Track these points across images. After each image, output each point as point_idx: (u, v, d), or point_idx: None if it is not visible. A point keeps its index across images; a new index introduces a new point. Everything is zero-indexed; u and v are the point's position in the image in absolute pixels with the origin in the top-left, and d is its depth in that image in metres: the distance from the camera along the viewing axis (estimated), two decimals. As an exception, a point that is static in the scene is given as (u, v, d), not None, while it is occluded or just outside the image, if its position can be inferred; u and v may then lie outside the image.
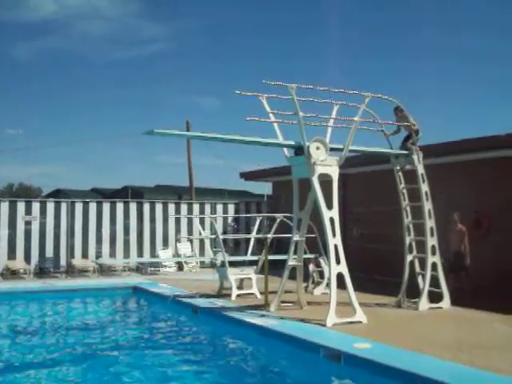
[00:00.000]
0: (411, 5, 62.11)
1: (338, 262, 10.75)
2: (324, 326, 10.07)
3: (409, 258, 12.77)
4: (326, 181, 11.18)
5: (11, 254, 20.04)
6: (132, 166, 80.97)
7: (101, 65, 78.30)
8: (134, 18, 76.64)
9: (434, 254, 12.47)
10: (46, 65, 78.86)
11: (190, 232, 22.50)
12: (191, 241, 22.36)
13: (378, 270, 16.98)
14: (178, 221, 22.45)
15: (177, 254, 22.07)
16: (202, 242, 21.82)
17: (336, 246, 10.80)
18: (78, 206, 21.34)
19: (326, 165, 11.13)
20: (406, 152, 12.87)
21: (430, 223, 12.51)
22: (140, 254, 21.96)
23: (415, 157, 12.70)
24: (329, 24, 62.88)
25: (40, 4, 73.19)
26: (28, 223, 20.45)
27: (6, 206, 20.36)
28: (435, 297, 12.35)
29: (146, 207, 22.43)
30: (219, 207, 23.78)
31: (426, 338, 9.37)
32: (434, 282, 12.41)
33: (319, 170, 11.04)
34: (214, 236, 17.43)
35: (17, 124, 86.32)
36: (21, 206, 20.56)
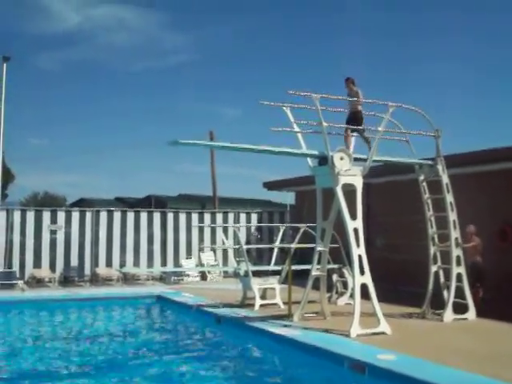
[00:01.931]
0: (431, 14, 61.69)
1: (362, 272, 10.71)
2: (348, 336, 10.03)
3: (433, 268, 12.68)
4: (349, 190, 11.17)
5: (37, 262, 20.24)
6: (155, 175, 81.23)
7: (125, 75, 78.84)
8: (158, 29, 77.22)
9: (458, 264, 12.38)
10: (71, 75, 79.60)
11: (213, 241, 22.55)
12: (214, 250, 22.40)
13: (402, 281, 16.86)
14: (201, 230, 22.50)
15: (200, 264, 22.11)
16: (225, 251, 21.84)
17: (360, 257, 10.77)
18: (103, 215, 21.51)
19: (349, 175, 11.11)
20: (430, 162, 12.79)
21: (454, 234, 12.42)
22: (163, 263, 22.03)
23: (440, 167, 12.62)
24: (354, 33, 62.79)
25: (65, 16, 74.00)
26: (53, 232, 20.64)
27: (31, 215, 20.59)
28: (460, 308, 12.24)
29: (170, 216, 22.53)
30: (242, 216, 23.80)
31: (451, 350, 9.28)
32: (459, 293, 12.30)
33: (343, 179, 11.03)
34: (237, 246, 17.45)
35: (41, 134, 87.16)
36: (46, 215, 20.77)
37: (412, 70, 66.34)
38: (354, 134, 11.91)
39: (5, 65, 25.65)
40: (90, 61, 75.27)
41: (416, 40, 64.59)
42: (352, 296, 11.59)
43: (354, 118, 11.74)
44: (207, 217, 23.38)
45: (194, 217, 22.99)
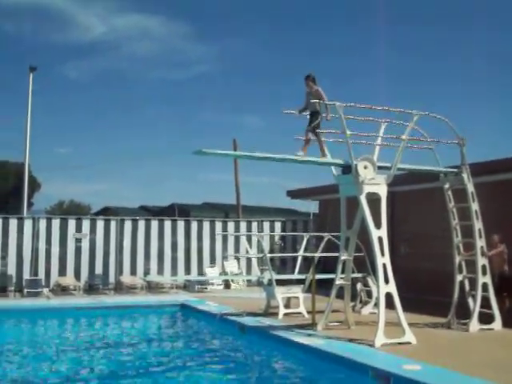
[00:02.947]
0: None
1: (386, 281, 10.64)
2: (372, 346, 9.97)
3: (459, 277, 12.55)
4: (373, 199, 11.12)
5: (62, 270, 20.42)
6: (179, 184, 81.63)
7: (149, 84, 79.43)
8: (182, 39, 77.81)
9: (484, 273, 12.25)
10: (95, 84, 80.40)
11: (236, 250, 22.57)
12: (238, 259, 22.41)
13: (426, 290, 16.72)
14: (225, 238, 22.54)
15: (224, 272, 22.13)
16: (248, 259, 21.85)
17: (384, 265, 10.70)
18: (127, 224, 21.64)
19: (373, 183, 11.06)
20: (455, 170, 12.70)
21: (480, 242, 12.30)
22: (187, 271, 22.10)
23: (465, 175, 12.51)
24: (377, 45, 62.76)
25: (90, 26, 74.88)
26: (78, 240, 20.82)
27: (57, 223, 20.81)
28: (486, 318, 12.09)
29: (194, 225, 22.60)
30: (266, 225, 23.78)
31: (477, 360, 9.18)
32: (485, 302, 12.16)
33: (367, 188, 10.98)
34: (261, 254, 17.44)
35: (67, 143, 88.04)
36: (71, 224, 20.97)
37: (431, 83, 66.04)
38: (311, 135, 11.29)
39: (31, 74, 26.06)
40: (115, 70, 76.13)
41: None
42: (376, 305, 11.52)
43: (314, 119, 11.21)
44: (231, 225, 23.41)
45: (218, 225, 23.03)
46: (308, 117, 11.30)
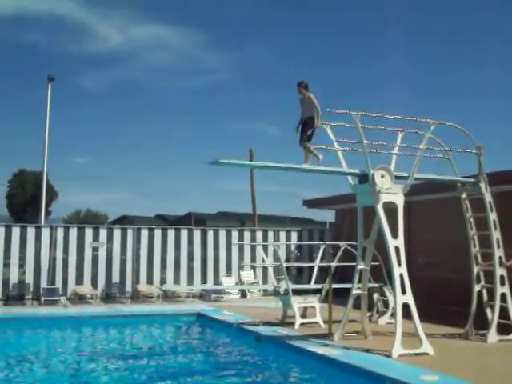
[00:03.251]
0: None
1: (403, 291, 10.59)
2: (389, 356, 9.90)
3: (476, 288, 12.45)
4: (390, 208, 11.09)
5: (79, 278, 20.52)
6: (195, 193, 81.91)
7: (165, 94, 79.96)
8: (199, 48, 78.29)
9: (503, 284, 12.14)
10: (112, 94, 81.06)
11: (253, 259, 22.57)
12: (254, 268, 22.40)
13: (444, 300, 16.59)
14: (241, 248, 22.52)
15: (240, 281, 22.12)
16: (264, 269, 21.84)
17: (401, 275, 10.65)
18: (144, 233, 21.71)
19: (390, 193, 11.04)
20: (472, 180, 12.63)
21: (498, 252, 12.19)
22: (203, 280, 22.11)
23: (482, 184, 12.44)
24: (393, 57, 62.74)
25: (107, 36, 75.57)
26: (95, 249, 20.92)
27: (74, 232, 20.93)
28: (505, 329, 11.98)
29: (210, 234, 22.62)
30: (282, 234, 23.75)
31: (496, 372, 9.11)
32: (503, 313, 12.05)
33: (384, 197, 10.96)
34: (277, 264, 17.42)
35: (84, 152, 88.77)
36: (88, 232, 21.08)
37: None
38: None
39: (50, 85, 26.33)
40: (131, 80, 76.65)
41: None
42: (393, 315, 11.46)
43: (309, 125, 11.09)
44: (247, 234, 23.42)
45: (234, 234, 23.04)
46: (300, 126, 11.21)
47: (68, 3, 71.92)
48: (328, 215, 26.25)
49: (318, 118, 11.03)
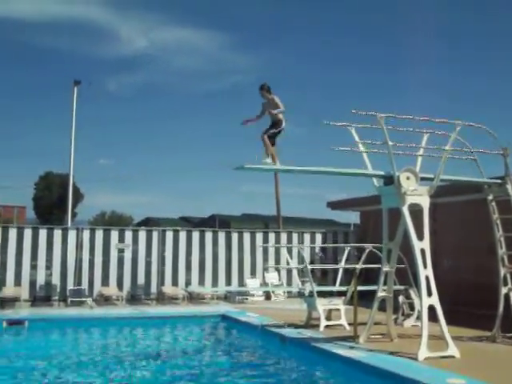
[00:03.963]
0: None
1: (429, 293, 10.52)
2: (415, 359, 9.84)
3: (503, 290, 12.32)
4: (415, 210, 11.03)
5: (105, 280, 20.70)
6: (219, 195, 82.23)
7: (189, 96, 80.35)
8: (223, 51, 78.52)
9: (530, 286, 12.01)
10: (137, 97, 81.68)
11: (277, 261, 22.57)
12: (279, 270, 22.40)
13: (470, 303, 16.43)
14: (265, 249, 22.53)
15: (264, 283, 22.13)
16: (289, 271, 21.84)
17: (427, 278, 10.59)
18: (169, 235, 21.84)
19: (416, 194, 10.98)
20: (498, 181, 12.51)
21: (525, 255, 12.07)
22: (228, 282, 22.17)
23: (509, 186, 12.31)
24: (423, 61, 62.38)
25: (132, 40, 76.19)
26: (121, 251, 21.09)
27: (100, 233, 21.12)
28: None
29: (235, 236, 22.67)
30: (307, 236, 23.71)
31: (524, 375, 9.00)
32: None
33: (409, 199, 10.90)
34: (301, 266, 17.40)
35: (109, 154, 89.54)
36: (114, 234, 21.26)
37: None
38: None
39: (76, 88, 26.61)
40: (156, 83, 77.11)
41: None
42: (419, 318, 11.39)
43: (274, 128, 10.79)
44: (271, 236, 23.42)
45: (259, 236, 23.06)
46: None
47: (93, 7, 72.68)
48: (352, 217, 26.22)
49: (282, 115, 10.79)
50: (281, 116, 10.81)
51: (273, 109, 10.82)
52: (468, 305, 16.39)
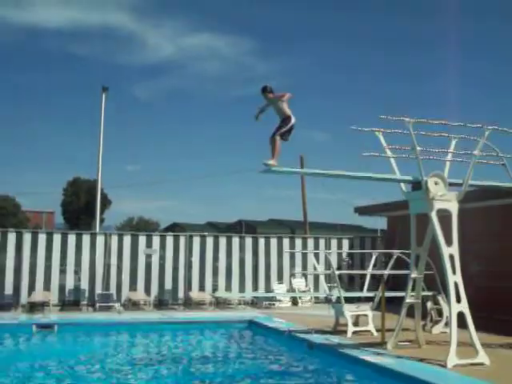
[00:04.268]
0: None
1: (458, 300, 10.43)
2: (444, 366, 9.75)
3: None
4: (443, 215, 10.94)
5: (133, 285, 20.84)
6: (245, 200, 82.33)
7: (216, 102, 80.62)
8: (249, 57, 78.74)
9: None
10: (164, 103, 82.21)
11: (304, 266, 22.54)
12: (305, 276, 22.35)
13: (500, 309, 16.27)
14: (292, 255, 22.51)
15: (291, 289, 22.09)
16: (316, 276, 21.78)
17: (456, 284, 10.50)
18: (196, 240, 21.91)
19: (444, 200, 10.90)
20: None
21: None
22: (255, 287, 22.18)
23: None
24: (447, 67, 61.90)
25: (159, 47, 76.73)
26: (148, 256, 21.22)
27: (128, 239, 21.28)
28: None
29: (261, 242, 22.68)
30: (333, 242, 23.63)
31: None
32: None
33: (438, 205, 10.83)
34: (328, 271, 17.35)
35: (136, 160, 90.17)
36: (142, 240, 21.40)
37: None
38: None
39: (104, 94, 26.85)
40: (182, 89, 77.59)
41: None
42: (447, 324, 11.30)
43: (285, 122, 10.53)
44: (298, 242, 23.39)
45: (285, 242, 23.04)
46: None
47: (120, 15, 73.43)
48: (378, 222, 26.08)
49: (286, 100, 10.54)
50: (289, 112, 10.52)
51: (279, 106, 10.57)
52: (498, 311, 16.22)
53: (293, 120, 10.53)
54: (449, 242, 10.74)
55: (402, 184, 11.74)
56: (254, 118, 10.78)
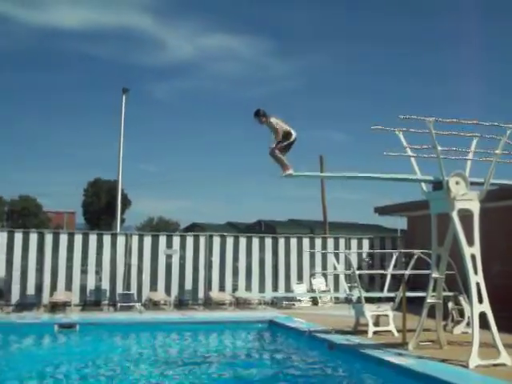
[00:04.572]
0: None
1: (480, 300, 10.36)
2: (466, 367, 9.69)
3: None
4: (464, 215, 10.87)
5: (153, 285, 20.94)
6: (264, 200, 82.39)
7: (234, 102, 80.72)
8: (266, 57, 78.79)
9: None
10: (183, 104, 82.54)
11: (324, 266, 22.50)
12: (326, 276, 22.32)
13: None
14: (312, 255, 22.48)
15: (311, 289, 22.07)
16: (336, 276, 21.75)
17: (478, 284, 10.43)
18: (216, 240, 21.97)
19: (466, 199, 10.83)
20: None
21: None
22: (275, 287, 22.18)
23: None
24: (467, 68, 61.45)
25: (177, 48, 77.08)
26: (169, 256, 21.30)
27: (148, 239, 21.40)
28: None
29: (281, 242, 22.68)
30: (353, 242, 23.56)
31: None
32: None
33: (459, 205, 10.76)
34: (349, 272, 17.31)
35: (157, 160, 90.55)
36: (162, 240, 21.49)
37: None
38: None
39: (124, 96, 27.03)
40: (201, 89, 77.76)
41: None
42: (469, 324, 11.23)
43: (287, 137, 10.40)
44: (318, 242, 23.35)
45: (305, 242, 23.01)
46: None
47: (139, 16, 73.84)
48: (398, 222, 25.96)
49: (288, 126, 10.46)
50: (286, 127, 10.38)
51: (274, 132, 10.40)
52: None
53: (293, 135, 10.40)
54: (470, 242, 10.67)
55: (423, 184, 11.69)
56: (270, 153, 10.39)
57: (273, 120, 10.47)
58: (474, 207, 10.91)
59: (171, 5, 73.63)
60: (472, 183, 11.05)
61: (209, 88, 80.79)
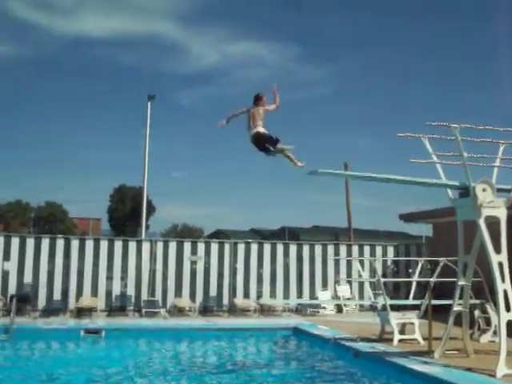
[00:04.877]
0: None
1: (507, 308, 10.25)
2: (493, 376, 9.58)
3: None
4: (491, 222, 10.78)
5: (178, 291, 21.01)
6: (288, 207, 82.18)
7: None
8: (294, 63, 78.75)
9: None
10: (208, 111, 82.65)
11: (348, 273, 22.40)
12: (350, 283, 22.22)
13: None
14: (336, 262, 22.40)
15: (336, 296, 21.99)
16: (361, 284, 21.65)
17: (505, 292, 10.33)
18: (240, 247, 21.99)
19: (493, 207, 10.74)
20: None
21: None
22: (299, 294, 22.12)
23: None
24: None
25: (203, 55, 77.42)
26: (193, 263, 21.38)
27: (173, 245, 21.50)
28: None
29: (306, 248, 22.62)
30: (378, 249, 23.43)
31: None
32: None
33: (486, 212, 10.67)
34: (374, 279, 17.22)
35: (180, 167, 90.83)
36: (187, 246, 21.58)
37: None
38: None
39: (149, 103, 27.20)
40: (227, 96, 77.86)
41: None
42: (495, 333, 11.11)
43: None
44: (343, 249, 23.27)
45: (330, 248, 22.94)
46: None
47: (164, 23, 74.36)
48: (423, 229, 25.78)
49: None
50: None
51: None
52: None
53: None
54: (497, 250, 10.57)
55: (449, 191, 11.61)
56: (223, 122, 10.22)
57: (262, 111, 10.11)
58: (501, 214, 10.82)
59: (197, 12, 73.94)
60: (499, 190, 10.96)
61: (235, 95, 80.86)
